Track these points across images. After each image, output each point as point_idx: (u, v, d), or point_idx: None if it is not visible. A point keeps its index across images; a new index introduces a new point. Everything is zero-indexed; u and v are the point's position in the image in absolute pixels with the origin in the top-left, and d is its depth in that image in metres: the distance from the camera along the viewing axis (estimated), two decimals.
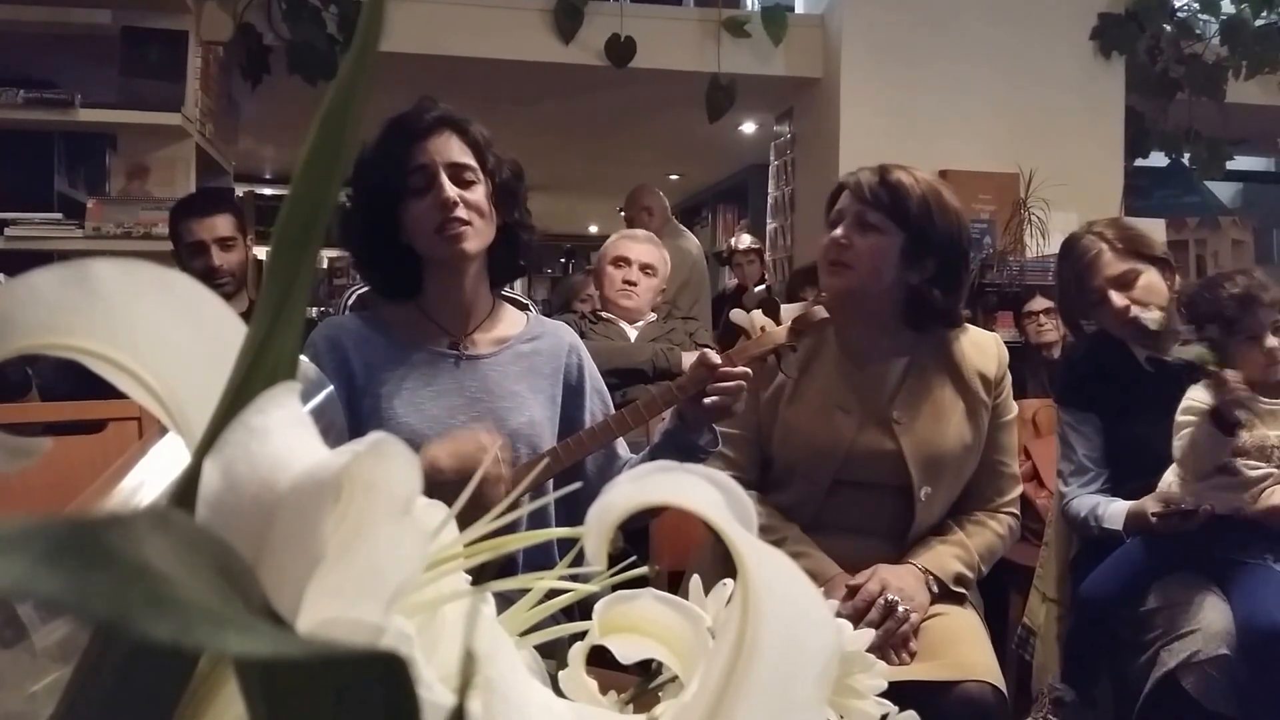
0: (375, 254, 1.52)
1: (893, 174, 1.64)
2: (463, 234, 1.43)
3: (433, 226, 1.43)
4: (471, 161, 1.46)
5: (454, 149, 1.45)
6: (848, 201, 1.65)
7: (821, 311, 1.50)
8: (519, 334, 1.55)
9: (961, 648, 1.50)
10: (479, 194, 1.45)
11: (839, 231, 1.63)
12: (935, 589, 1.58)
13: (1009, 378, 1.73)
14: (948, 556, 1.61)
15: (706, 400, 1.42)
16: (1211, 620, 1.71)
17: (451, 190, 1.42)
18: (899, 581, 1.54)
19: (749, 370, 1.45)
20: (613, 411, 1.57)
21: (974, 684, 1.43)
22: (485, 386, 1.48)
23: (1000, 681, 1.46)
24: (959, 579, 1.60)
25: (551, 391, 1.54)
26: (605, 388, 1.63)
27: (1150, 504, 1.84)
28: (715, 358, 1.43)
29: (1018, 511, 1.74)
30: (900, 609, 1.51)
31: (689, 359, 2.77)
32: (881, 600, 1.51)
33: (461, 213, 1.42)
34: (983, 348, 1.71)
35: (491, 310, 1.55)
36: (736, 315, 1.52)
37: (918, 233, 1.61)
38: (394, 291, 1.54)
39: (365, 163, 1.47)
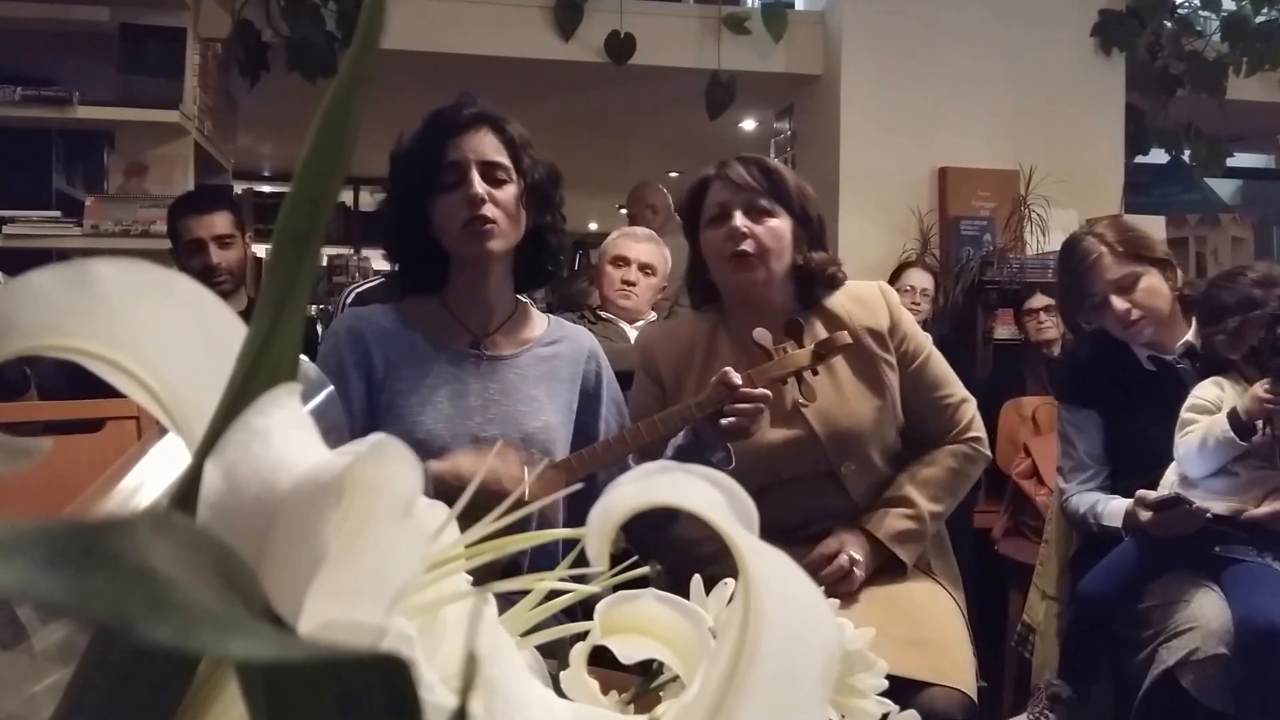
0: (406, 246, 1.52)
1: (762, 161, 1.66)
2: (488, 231, 1.43)
3: (460, 222, 1.43)
4: (505, 160, 1.46)
5: (488, 147, 1.45)
6: (728, 194, 1.62)
7: (845, 337, 1.49)
8: (540, 337, 1.55)
9: (936, 647, 1.48)
10: (509, 193, 1.45)
11: (738, 221, 1.59)
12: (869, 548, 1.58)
13: (906, 317, 1.68)
14: (889, 515, 1.60)
15: (724, 420, 1.42)
16: (1209, 618, 1.71)
17: (480, 187, 1.42)
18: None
19: (769, 393, 1.44)
20: (628, 422, 1.57)
21: (941, 689, 1.41)
22: (503, 389, 1.48)
23: (971, 688, 1.45)
24: (905, 535, 1.58)
25: (568, 397, 1.53)
26: (622, 397, 1.62)
27: (1140, 510, 1.84)
28: (736, 378, 1.42)
29: (978, 434, 1.68)
30: (843, 557, 1.53)
31: None
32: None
33: (488, 210, 1.42)
34: (866, 301, 1.67)
35: (514, 312, 1.55)
36: (759, 335, 1.52)
37: (800, 213, 1.64)
38: (419, 284, 1.54)
39: (402, 155, 1.48)
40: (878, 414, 1.62)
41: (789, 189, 1.64)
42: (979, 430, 1.70)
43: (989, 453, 1.73)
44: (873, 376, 1.63)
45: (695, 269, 1.73)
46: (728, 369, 1.45)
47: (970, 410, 1.70)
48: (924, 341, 1.69)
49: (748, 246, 1.59)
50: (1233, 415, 1.76)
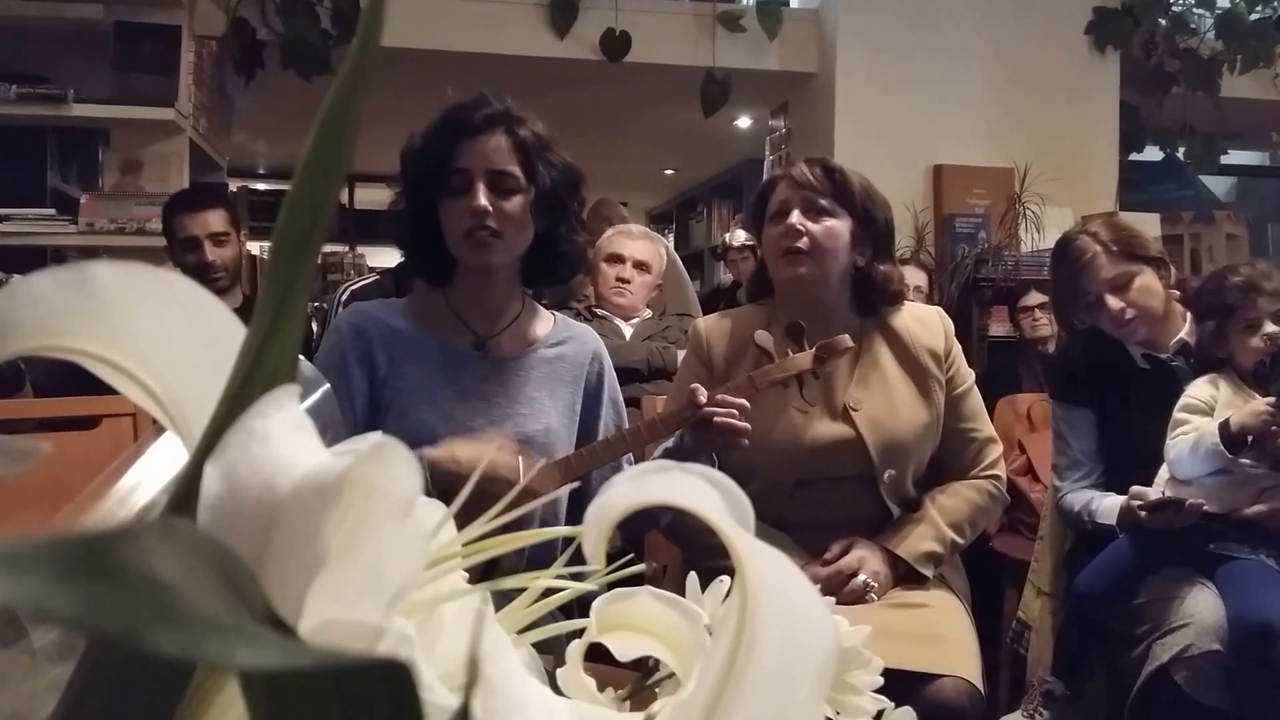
0: (415, 241, 1.50)
1: (828, 163, 1.69)
2: (489, 244, 1.41)
3: (462, 231, 1.41)
4: (514, 169, 1.42)
5: (498, 154, 1.41)
6: (790, 192, 1.66)
7: (848, 340, 1.50)
8: (545, 337, 1.54)
9: (945, 642, 1.49)
10: (516, 203, 1.42)
11: (794, 219, 1.63)
12: (900, 569, 1.59)
13: (957, 347, 1.73)
14: (915, 537, 1.61)
15: (715, 432, 1.43)
16: (1203, 615, 1.72)
17: (483, 199, 1.39)
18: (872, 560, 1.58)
19: (744, 402, 1.45)
20: (625, 423, 1.57)
21: (950, 680, 1.42)
22: (506, 391, 1.47)
23: (978, 680, 1.46)
24: (929, 556, 1.60)
25: (571, 400, 1.52)
26: (621, 399, 1.61)
27: (1135, 503, 1.84)
28: (702, 396, 1.44)
29: (999, 474, 1.72)
30: (861, 578, 1.54)
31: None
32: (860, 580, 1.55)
33: (491, 222, 1.40)
34: (927, 323, 1.72)
35: (520, 313, 1.53)
36: (760, 337, 1.53)
37: (863, 216, 1.66)
38: (427, 277, 1.53)
39: (413, 154, 1.46)
40: (924, 429, 1.65)
41: (852, 190, 1.65)
42: (1001, 471, 1.73)
43: (1007, 496, 1.77)
44: (925, 392, 1.66)
45: (759, 265, 1.78)
46: (695, 386, 1.47)
47: (996, 451, 1.73)
48: (968, 374, 1.74)
49: (801, 244, 1.62)
50: (1223, 427, 1.76)
